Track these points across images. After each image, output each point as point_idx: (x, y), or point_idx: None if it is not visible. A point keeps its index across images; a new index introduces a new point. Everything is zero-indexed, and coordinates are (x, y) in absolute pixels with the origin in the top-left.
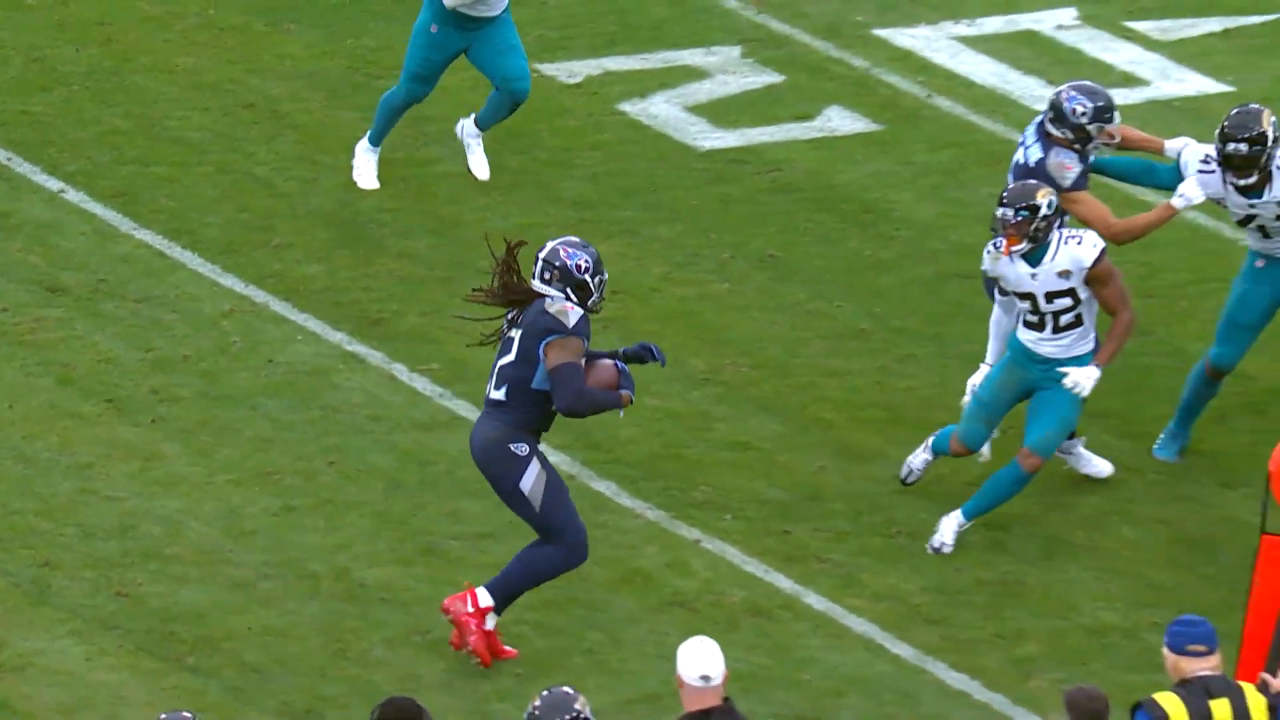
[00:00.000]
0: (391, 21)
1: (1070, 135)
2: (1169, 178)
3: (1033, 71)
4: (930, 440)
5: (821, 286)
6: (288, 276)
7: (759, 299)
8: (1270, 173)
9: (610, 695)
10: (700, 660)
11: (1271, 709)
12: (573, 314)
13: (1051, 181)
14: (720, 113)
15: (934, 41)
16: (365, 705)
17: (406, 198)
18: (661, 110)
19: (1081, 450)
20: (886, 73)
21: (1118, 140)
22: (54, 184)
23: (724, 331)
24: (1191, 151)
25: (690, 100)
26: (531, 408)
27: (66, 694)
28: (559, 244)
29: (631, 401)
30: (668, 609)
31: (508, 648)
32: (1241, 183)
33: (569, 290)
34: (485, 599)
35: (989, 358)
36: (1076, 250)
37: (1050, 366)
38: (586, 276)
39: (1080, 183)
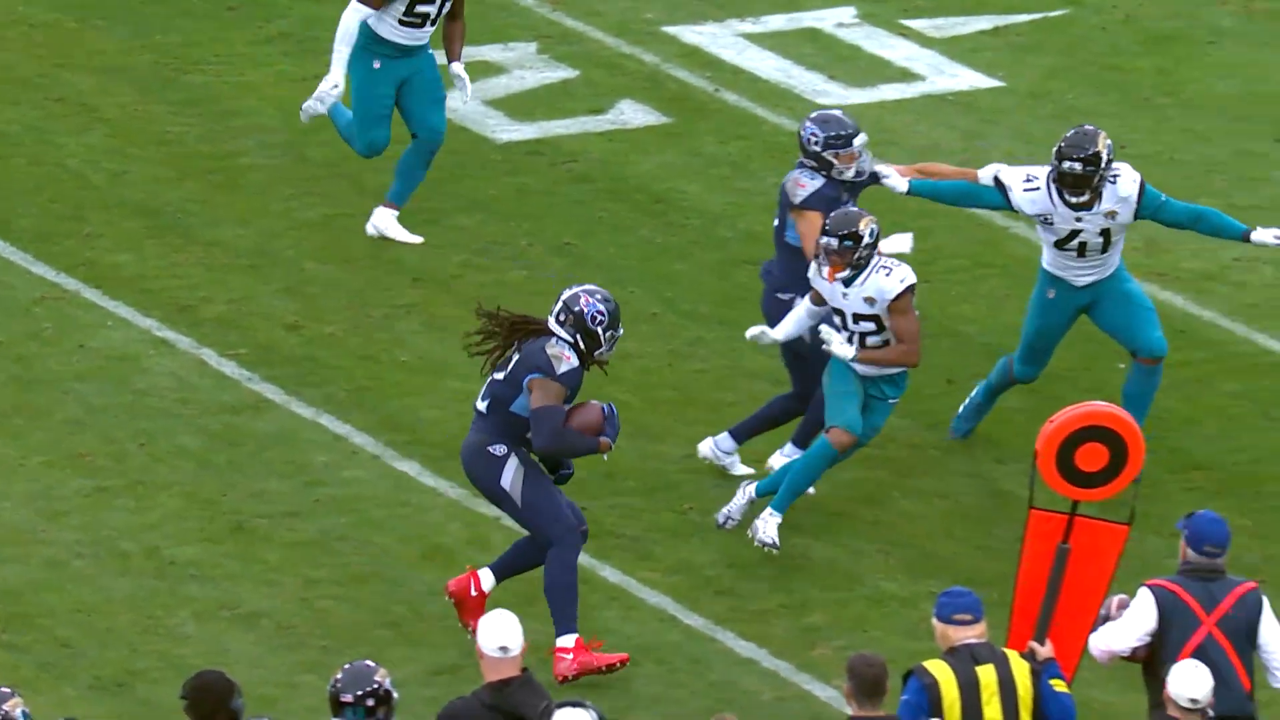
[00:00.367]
0: (198, 18)
1: (812, 162)
2: (992, 198)
3: (815, 67)
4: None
5: (615, 273)
6: (98, 265)
7: (555, 285)
8: (1100, 191)
9: (413, 666)
10: (499, 632)
11: (1034, 674)
12: (566, 364)
13: (786, 194)
14: (517, 106)
15: (720, 38)
16: (176, 678)
17: (214, 189)
18: (460, 103)
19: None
20: (676, 68)
21: (864, 167)
22: None
23: None
24: (1009, 174)
25: (488, 94)
26: (506, 426)
27: None
28: (583, 290)
29: (611, 448)
30: None
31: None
32: (1074, 200)
33: (579, 336)
34: (488, 581)
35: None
36: (884, 281)
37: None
38: (598, 328)
39: (810, 202)
